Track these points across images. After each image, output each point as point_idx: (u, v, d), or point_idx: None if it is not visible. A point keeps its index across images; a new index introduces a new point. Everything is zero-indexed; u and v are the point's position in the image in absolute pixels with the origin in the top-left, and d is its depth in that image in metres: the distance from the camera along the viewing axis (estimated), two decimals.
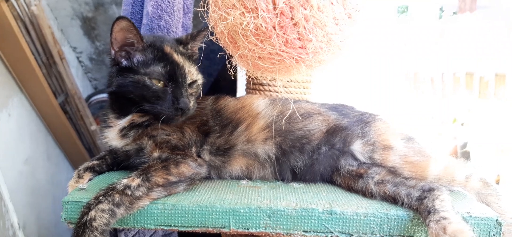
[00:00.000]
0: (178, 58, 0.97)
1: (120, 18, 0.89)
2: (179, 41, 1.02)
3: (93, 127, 2.28)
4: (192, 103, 0.97)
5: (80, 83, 2.50)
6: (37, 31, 1.96)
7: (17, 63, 1.77)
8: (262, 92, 1.17)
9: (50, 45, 2.02)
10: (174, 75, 0.94)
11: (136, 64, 0.94)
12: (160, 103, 0.93)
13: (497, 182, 2.60)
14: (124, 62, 0.95)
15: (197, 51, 1.05)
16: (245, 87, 1.26)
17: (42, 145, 2.06)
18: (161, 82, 0.94)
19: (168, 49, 0.96)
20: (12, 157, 1.75)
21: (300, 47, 0.73)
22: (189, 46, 1.03)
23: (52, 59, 2.07)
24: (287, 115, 0.98)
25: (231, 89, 1.86)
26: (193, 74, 1.00)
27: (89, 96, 2.59)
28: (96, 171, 0.99)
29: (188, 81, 0.98)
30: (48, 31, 2.03)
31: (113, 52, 0.95)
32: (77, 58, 2.63)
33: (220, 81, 2.21)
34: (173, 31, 1.16)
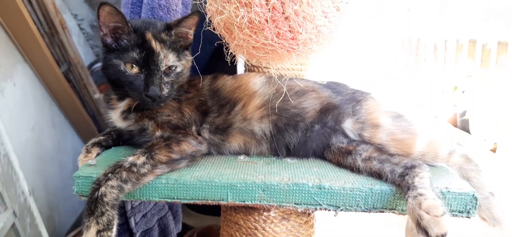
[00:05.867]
0: (155, 44, 0.96)
1: (102, 4, 0.92)
2: (167, 27, 1.01)
3: (97, 95, 2.34)
4: (166, 91, 0.97)
5: (82, 50, 2.53)
6: (38, 0, 1.98)
7: (20, 33, 1.80)
8: (260, 68, 1.22)
9: (51, 15, 2.04)
10: (147, 62, 0.95)
11: (118, 48, 0.96)
12: (132, 88, 0.96)
13: (494, 151, 2.67)
14: (109, 43, 0.97)
15: (188, 36, 1.04)
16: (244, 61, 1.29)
17: (47, 113, 2.13)
18: (136, 68, 0.95)
19: (148, 35, 0.96)
20: (19, 125, 1.82)
21: (291, 39, 0.78)
22: (172, 32, 1.00)
23: (54, 29, 2.09)
24: (282, 95, 1.03)
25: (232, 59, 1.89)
26: (169, 60, 0.98)
27: (91, 64, 2.62)
28: (103, 146, 1.06)
29: (163, 68, 0.97)
30: (49, 0, 2.04)
31: (101, 33, 0.98)
32: (78, 25, 2.64)
33: (222, 48, 2.23)
34: (173, 9, 1.19)
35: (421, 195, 0.81)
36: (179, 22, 1.00)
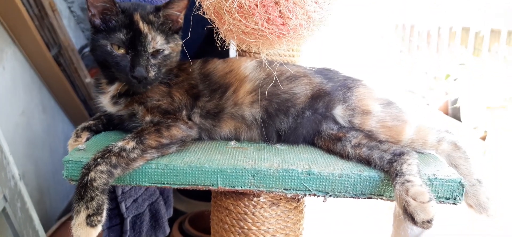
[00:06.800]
0: (143, 26, 0.96)
1: None
2: (156, 8, 1.00)
3: (88, 79, 2.31)
4: (153, 73, 0.96)
5: (72, 33, 2.49)
6: None
7: (9, 15, 1.77)
8: (251, 54, 1.20)
9: None
10: (134, 43, 0.94)
11: (106, 29, 0.95)
12: (119, 69, 0.96)
13: (484, 139, 2.70)
14: (97, 24, 0.96)
15: (178, 20, 1.03)
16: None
17: (37, 97, 2.10)
18: (122, 49, 0.95)
19: (136, 16, 0.96)
20: (8, 109, 1.80)
21: (281, 24, 0.77)
22: (160, 14, 0.99)
23: (44, 11, 2.05)
24: (273, 80, 1.02)
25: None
26: (157, 42, 0.97)
27: (82, 48, 2.59)
28: (93, 131, 1.06)
29: (150, 50, 0.96)
30: None
31: (89, 14, 0.97)
32: (69, 8, 2.60)
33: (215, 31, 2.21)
34: None
35: (408, 181, 0.82)
36: (167, 4, 0.99)
